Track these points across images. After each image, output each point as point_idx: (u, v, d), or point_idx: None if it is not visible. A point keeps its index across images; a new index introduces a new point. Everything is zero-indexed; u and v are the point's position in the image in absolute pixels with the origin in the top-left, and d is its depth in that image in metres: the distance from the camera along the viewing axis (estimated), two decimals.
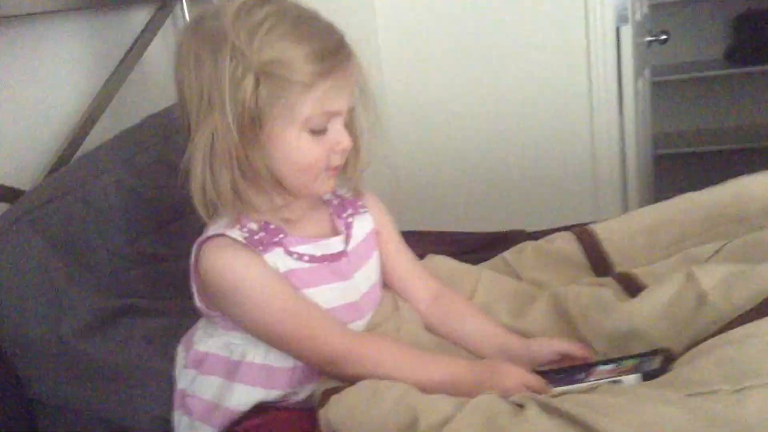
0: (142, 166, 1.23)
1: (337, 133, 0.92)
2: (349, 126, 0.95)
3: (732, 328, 0.82)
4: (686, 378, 0.77)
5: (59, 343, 1.01)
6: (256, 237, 0.92)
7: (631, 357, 0.90)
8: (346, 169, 0.99)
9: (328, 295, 0.96)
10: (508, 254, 1.24)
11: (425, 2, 2.19)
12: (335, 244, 1.00)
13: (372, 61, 2.14)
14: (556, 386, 0.88)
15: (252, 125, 0.87)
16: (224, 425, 0.95)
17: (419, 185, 2.33)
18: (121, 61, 1.41)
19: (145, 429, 1.01)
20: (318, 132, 0.90)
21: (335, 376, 0.93)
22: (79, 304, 1.03)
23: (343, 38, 0.92)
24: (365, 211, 1.06)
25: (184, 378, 1.01)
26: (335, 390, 0.90)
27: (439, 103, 2.25)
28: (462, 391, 0.86)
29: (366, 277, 1.03)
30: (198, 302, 0.97)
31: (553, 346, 0.98)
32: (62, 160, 1.25)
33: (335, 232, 1.01)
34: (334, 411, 0.86)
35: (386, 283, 1.08)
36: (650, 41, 2.35)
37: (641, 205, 2.10)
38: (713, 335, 0.83)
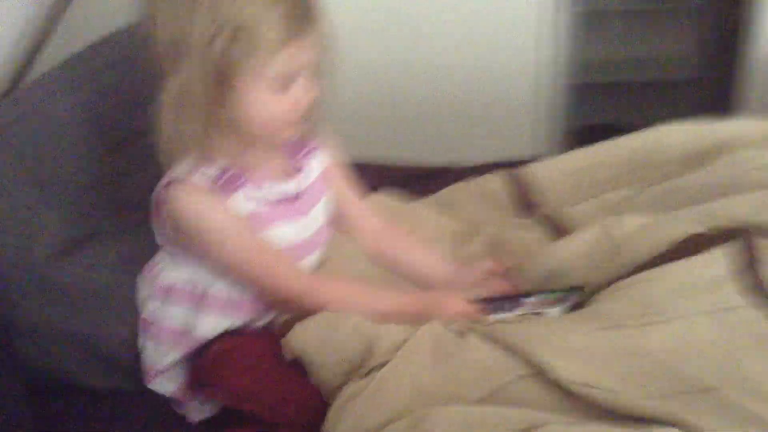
0: (105, 86, 1.22)
1: (303, 87, 0.98)
2: (312, 78, 1.01)
3: (643, 270, 0.96)
4: (600, 313, 0.92)
5: (32, 268, 1.04)
6: (219, 182, 0.99)
7: (552, 291, 1.04)
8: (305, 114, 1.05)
9: (287, 232, 1.05)
10: (442, 194, 1.35)
11: None
12: (291, 185, 1.07)
13: None
14: (489, 315, 1.02)
15: (221, 80, 0.93)
16: (191, 350, 1.03)
17: (356, 112, 2.35)
18: None
19: (115, 351, 1.07)
20: (284, 88, 0.96)
21: (295, 311, 1.02)
22: (50, 226, 1.06)
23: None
24: (318, 151, 1.13)
25: (148, 307, 1.08)
26: (297, 319, 1.00)
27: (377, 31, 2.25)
28: (408, 321, 0.98)
29: (320, 213, 1.11)
30: (160, 240, 1.04)
31: (480, 266, 1.12)
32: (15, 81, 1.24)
33: (291, 174, 1.09)
34: (297, 338, 0.96)
35: (333, 220, 1.17)
36: None
37: (555, 135, 2.26)
38: (626, 276, 0.97)
